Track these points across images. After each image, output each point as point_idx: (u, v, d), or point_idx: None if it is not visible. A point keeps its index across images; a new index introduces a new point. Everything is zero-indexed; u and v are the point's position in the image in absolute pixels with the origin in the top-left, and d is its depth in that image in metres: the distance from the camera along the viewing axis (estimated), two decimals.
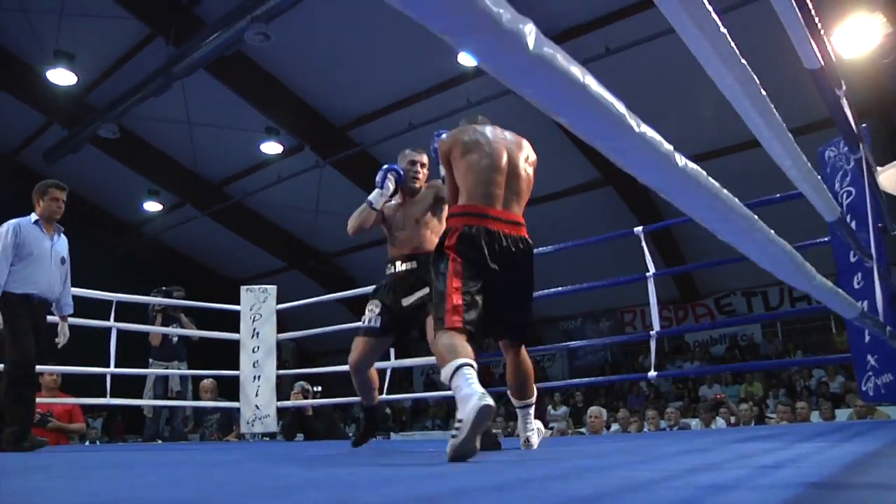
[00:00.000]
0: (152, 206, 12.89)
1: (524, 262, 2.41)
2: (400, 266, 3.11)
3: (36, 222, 3.79)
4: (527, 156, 2.51)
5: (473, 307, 2.24)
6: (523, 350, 2.59)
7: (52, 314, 3.93)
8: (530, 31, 0.48)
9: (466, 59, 7.85)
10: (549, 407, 9.61)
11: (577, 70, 0.54)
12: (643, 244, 4.33)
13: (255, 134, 10.36)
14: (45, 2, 8.26)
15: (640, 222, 10.10)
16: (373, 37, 8.67)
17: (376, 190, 3.09)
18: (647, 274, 4.29)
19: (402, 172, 3.11)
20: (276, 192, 11.58)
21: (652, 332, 4.26)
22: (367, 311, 3.13)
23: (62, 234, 3.93)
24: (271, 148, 10.71)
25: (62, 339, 3.99)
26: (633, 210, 10.72)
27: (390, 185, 3.08)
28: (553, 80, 0.52)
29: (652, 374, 4.32)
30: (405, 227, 3.14)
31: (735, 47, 0.89)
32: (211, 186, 12.31)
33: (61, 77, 8.87)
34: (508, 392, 2.65)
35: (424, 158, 3.20)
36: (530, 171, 2.51)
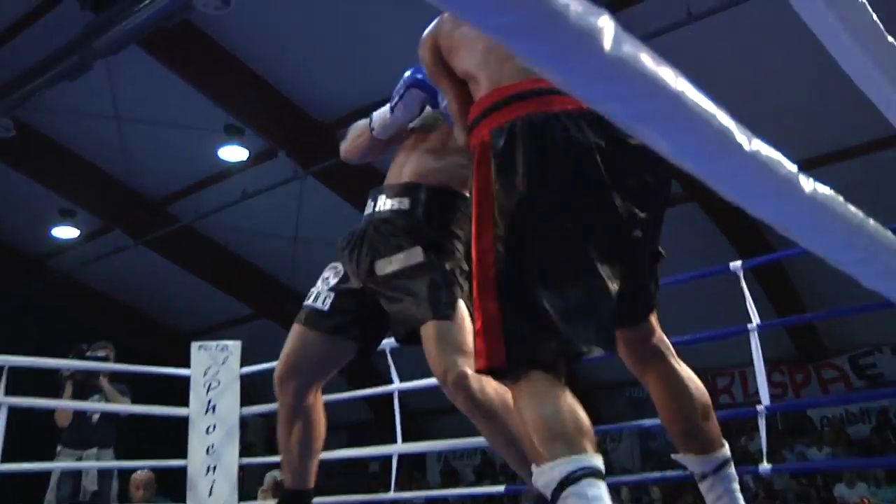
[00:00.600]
0: (65, 232, 12.96)
1: (645, 159, 1.71)
2: (382, 203, 2.53)
3: None
4: None
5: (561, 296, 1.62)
6: (669, 350, 1.97)
7: None
8: (606, 26, 0.50)
9: None
10: None
11: (668, 73, 0.55)
12: (742, 285, 4.24)
13: (211, 134, 10.42)
14: None
15: (737, 252, 10.09)
16: (368, 7, 8.73)
17: (385, 110, 2.67)
18: (750, 326, 4.19)
19: (438, 99, 2.46)
20: (240, 212, 11.66)
21: (759, 408, 4.16)
22: (319, 280, 2.61)
23: None
24: (233, 153, 10.82)
25: None
26: (726, 235, 10.68)
27: (415, 110, 2.58)
28: (636, 87, 0.53)
29: (765, 466, 4.17)
30: (403, 148, 2.73)
31: (873, 13, 0.88)
32: (149, 205, 12.41)
33: None
34: (675, 442, 1.97)
35: None
36: None
